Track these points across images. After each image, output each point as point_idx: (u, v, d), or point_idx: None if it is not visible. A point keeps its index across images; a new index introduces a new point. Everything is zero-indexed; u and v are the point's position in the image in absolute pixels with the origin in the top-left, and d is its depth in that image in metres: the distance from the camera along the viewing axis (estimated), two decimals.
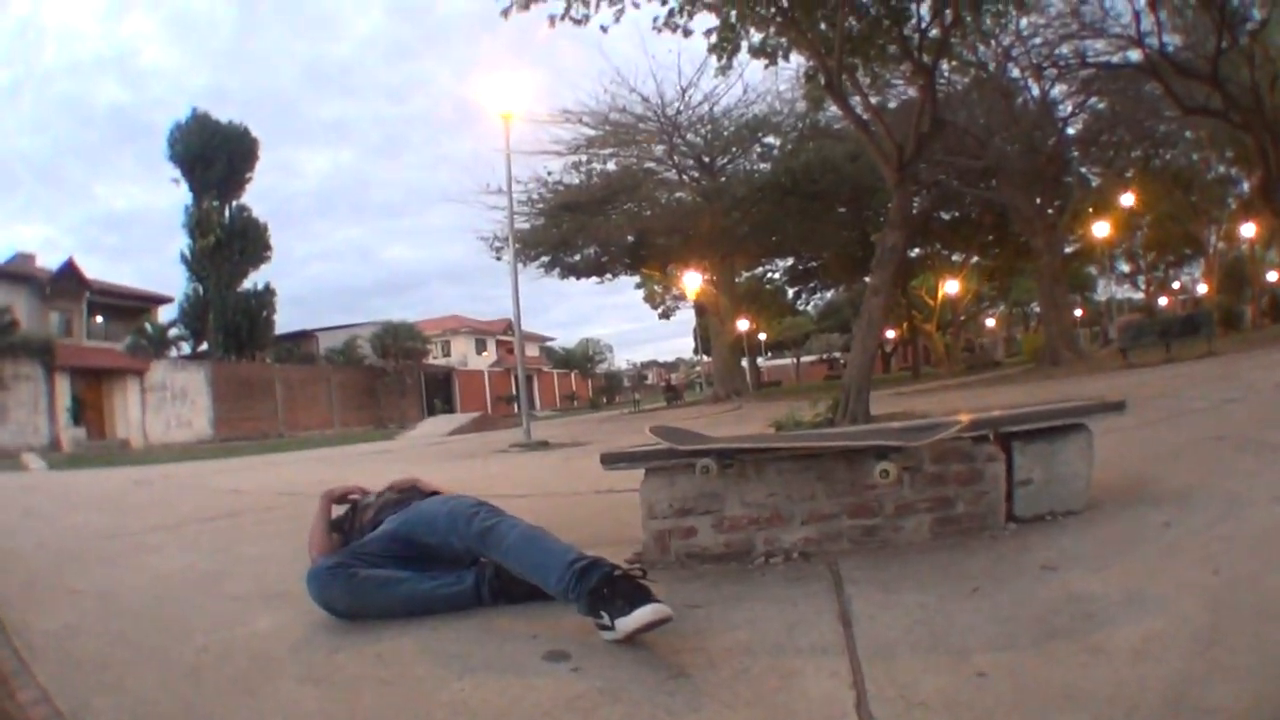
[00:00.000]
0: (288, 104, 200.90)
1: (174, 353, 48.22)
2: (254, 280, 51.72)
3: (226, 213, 51.26)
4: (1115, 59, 30.24)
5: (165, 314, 50.99)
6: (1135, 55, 27.95)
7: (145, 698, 3.15)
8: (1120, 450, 6.90)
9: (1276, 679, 2.43)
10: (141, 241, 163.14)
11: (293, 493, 10.89)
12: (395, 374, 56.69)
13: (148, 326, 47.46)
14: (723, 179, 41.69)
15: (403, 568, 4.04)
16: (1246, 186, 46.11)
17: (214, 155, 50.39)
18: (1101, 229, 43.00)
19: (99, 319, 46.93)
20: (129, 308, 49.16)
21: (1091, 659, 2.72)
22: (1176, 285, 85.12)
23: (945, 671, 2.77)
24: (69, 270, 43.22)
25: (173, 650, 3.73)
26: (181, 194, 52.07)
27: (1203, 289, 65.07)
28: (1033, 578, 3.76)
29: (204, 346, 50.24)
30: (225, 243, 49.83)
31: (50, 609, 4.83)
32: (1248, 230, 49.23)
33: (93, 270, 45.73)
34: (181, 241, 51.34)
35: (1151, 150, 42.98)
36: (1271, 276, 61.17)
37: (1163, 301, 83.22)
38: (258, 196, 51.31)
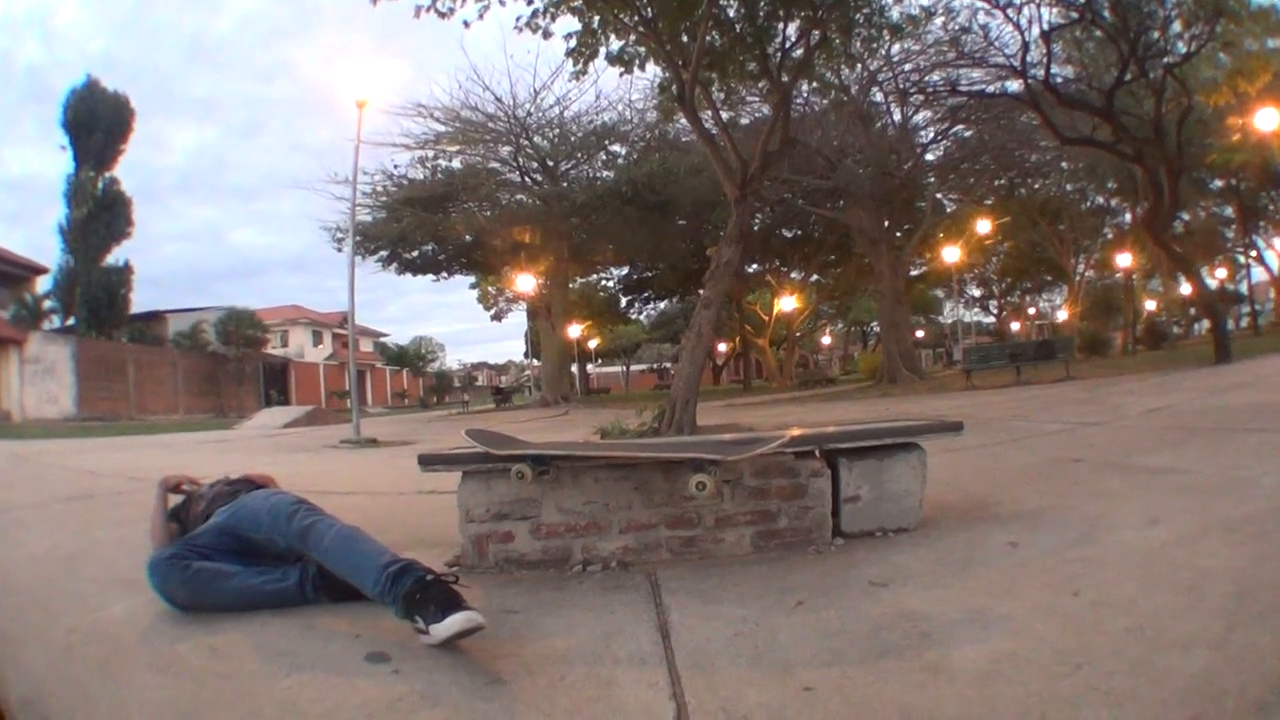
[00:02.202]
0: (167, 77, 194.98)
1: (47, 326, 46.69)
2: (116, 256, 49.81)
3: (100, 184, 49.55)
4: (991, 88, 30.56)
5: (41, 286, 49.45)
6: (1015, 85, 28.06)
7: (36, 674, 3.25)
8: (963, 470, 7.08)
9: (1165, 703, 2.43)
10: (33, 208, 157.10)
11: (140, 478, 10.70)
12: (236, 362, 55.61)
13: (28, 297, 46.25)
14: (565, 184, 41.54)
15: (234, 561, 4.02)
16: (1129, 217, 47.48)
17: (96, 124, 48.72)
18: (951, 253, 43.68)
19: None
20: (15, 275, 47.48)
21: (930, 678, 2.71)
22: (1032, 311, 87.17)
23: (769, 685, 2.76)
24: None
25: (50, 631, 3.80)
26: (66, 162, 50.26)
27: (1063, 315, 66.58)
28: (861, 593, 3.76)
29: (71, 321, 48.48)
30: (95, 215, 48.08)
31: None
32: (1124, 260, 50.36)
33: None
34: (61, 211, 49.43)
35: (1018, 179, 44.01)
36: (1150, 305, 63.14)
37: (1015, 326, 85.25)
38: (128, 169, 49.63)
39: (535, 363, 66.03)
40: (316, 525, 3.83)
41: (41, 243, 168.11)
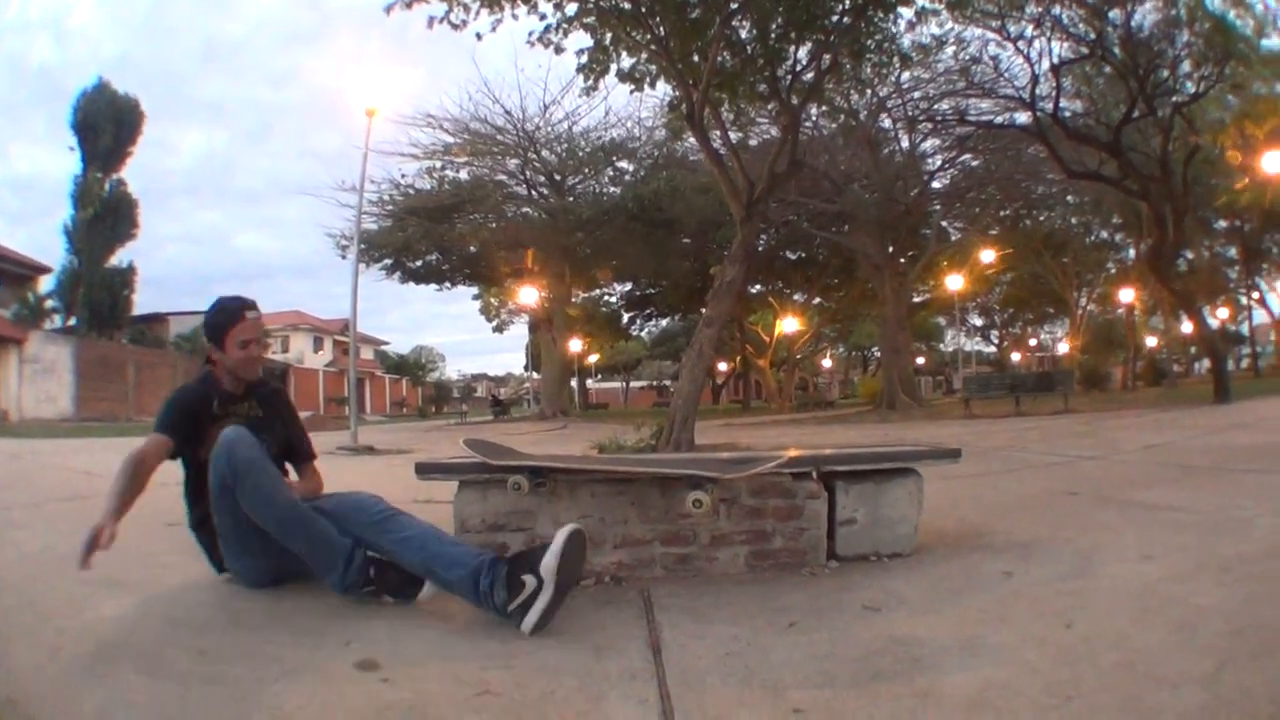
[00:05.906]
0: (179, 79, 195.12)
1: (48, 325, 46.31)
2: (120, 258, 49.71)
3: (107, 186, 49.41)
4: (1000, 119, 30.68)
5: (43, 286, 49.24)
6: (1023, 117, 28.25)
7: (22, 675, 3.22)
8: (959, 498, 7.05)
9: None
10: (40, 207, 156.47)
11: None
12: None
13: (30, 296, 46.06)
14: (571, 199, 41.84)
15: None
16: (1133, 253, 47.51)
17: (105, 126, 48.55)
18: (955, 281, 43.72)
19: None
20: (18, 274, 47.43)
21: (920, 704, 2.70)
22: (1034, 342, 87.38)
23: (759, 706, 2.75)
24: None
25: (38, 630, 3.79)
26: (74, 162, 50.05)
27: (1064, 348, 66.64)
28: (853, 617, 3.76)
29: (73, 321, 48.33)
30: (101, 216, 47.96)
31: None
32: (1126, 295, 50.41)
33: None
34: (66, 211, 49.19)
35: (1024, 210, 44.06)
36: (1151, 341, 63.21)
37: (1015, 357, 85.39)
38: (134, 171, 49.24)
39: (535, 376, 66.02)
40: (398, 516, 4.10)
41: (46, 242, 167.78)
